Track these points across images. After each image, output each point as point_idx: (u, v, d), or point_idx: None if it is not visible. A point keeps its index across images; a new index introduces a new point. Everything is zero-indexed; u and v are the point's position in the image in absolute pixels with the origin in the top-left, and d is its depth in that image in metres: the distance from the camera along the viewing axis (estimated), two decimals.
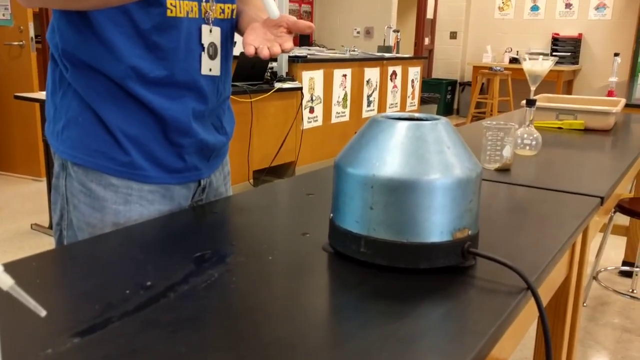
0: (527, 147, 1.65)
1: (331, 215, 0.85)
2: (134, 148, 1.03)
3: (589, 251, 1.24)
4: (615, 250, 3.35)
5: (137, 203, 1.05)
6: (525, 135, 1.65)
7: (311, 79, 5.15)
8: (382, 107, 6.18)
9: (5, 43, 4.60)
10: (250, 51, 1.02)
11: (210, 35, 1.06)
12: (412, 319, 0.66)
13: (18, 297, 0.50)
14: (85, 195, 1.04)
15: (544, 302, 1.06)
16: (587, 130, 2.14)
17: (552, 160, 1.60)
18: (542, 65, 1.59)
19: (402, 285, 0.75)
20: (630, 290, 2.96)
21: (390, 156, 0.76)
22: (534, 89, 1.64)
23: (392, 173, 0.75)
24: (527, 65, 1.61)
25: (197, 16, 1.04)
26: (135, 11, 0.96)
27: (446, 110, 9.20)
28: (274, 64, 4.80)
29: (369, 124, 0.83)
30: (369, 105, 5.99)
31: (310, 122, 5.21)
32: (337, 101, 5.53)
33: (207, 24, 1.06)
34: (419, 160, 0.76)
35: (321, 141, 5.37)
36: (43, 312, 0.51)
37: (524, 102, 2.21)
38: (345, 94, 5.61)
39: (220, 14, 1.09)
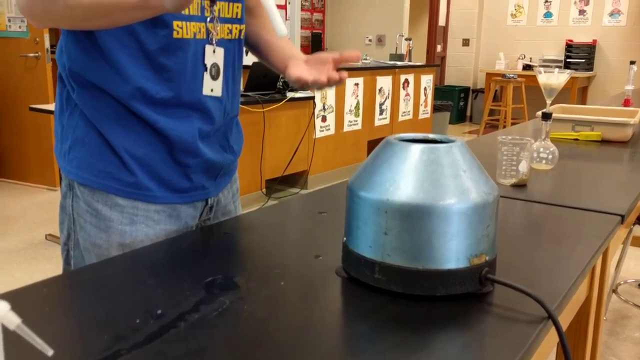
0: (544, 161, 1.62)
1: (344, 239, 0.83)
2: (140, 168, 1.02)
3: (609, 271, 1.21)
4: (634, 261, 3.30)
5: (143, 223, 1.04)
6: (542, 149, 1.62)
7: None
8: (394, 115, 6.16)
9: (21, 55, 4.65)
10: (307, 77, 1.03)
11: (214, 55, 1.05)
12: (428, 352, 0.64)
13: (25, 336, 0.48)
14: (92, 216, 1.03)
15: (564, 325, 1.04)
16: (604, 141, 2.10)
17: (569, 174, 1.57)
18: (557, 79, 1.57)
19: (418, 313, 0.73)
20: None
21: (405, 180, 0.75)
22: (550, 102, 1.61)
23: (407, 198, 0.74)
24: (543, 79, 1.58)
25: (204, 37, 1.03)
26: (142, 32, 0.96)
27: (459, 117, 9.16)
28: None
29: (382, 146, 0.81)
30: (381, 114, 5.97)
31: (323, 130, 5.20)
32: (350, 110, 5.52)
33: (211, 44, 1.05)
34: (434, 185, 0.74)
35: (333, 150, 5.36)
36: (50, 352, 0.49)
37: (539, 113, 2.18)
38: (358, 103, 5.60)
39: (227, 34, 1.08)
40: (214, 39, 1.05)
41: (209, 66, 1.05)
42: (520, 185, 1.42)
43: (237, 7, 1.09)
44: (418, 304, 0.75)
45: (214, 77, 1.07)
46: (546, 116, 1.59)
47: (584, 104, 8.38)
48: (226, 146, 1.15)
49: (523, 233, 1.07)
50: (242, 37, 1.13)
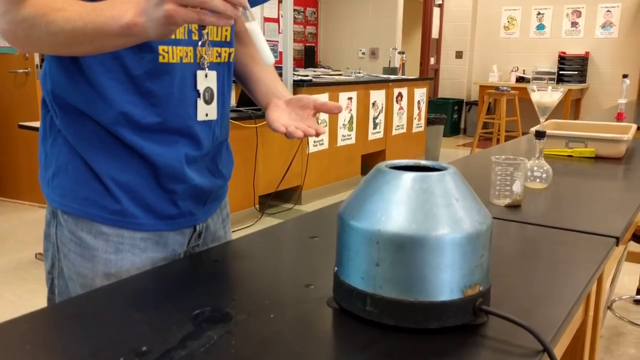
0: (538, 180, 1.61)
1: (335, 268, 0.81)
2: (125, 195, 1.00)
3: (604, 293, 1.20)
4: (629, 276, 3.29)
5: (129, 252, 1.02)
6: (535, 168, 1.61)
7: None
8: (388, 129, 6.16)
9: (11, 71, 4.62)
10: (281, 130, 1.02)
11: (206, 80, 1.04)
12: None
13: None
14: (76, 245, 1.01)
15: (560, 351, 1.02)
16: (598, 157, 2.09)
17: (564, 194, 1.56)
18: (551, 97, 1.56)
19: (412, 347, 0.71)
20: None
21: (396, 210, 0.73)
22: (544, 120, 1.60)
23: (399, 228, 0.72)
24: (536, 97, 1.57)
25: (192, 61, 1.01)
26: (127, 57, 0.94)
27: (453, 130, 9.17)
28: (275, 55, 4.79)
29: (373, 174, 0.79)
30: (374, 128, 5.97)
31: (316, 145, 5.19)
32: (343, 124, 5.51)
33: (202, 69, 1.03)
34: (427, 215, 0.72)
35: (327, 165, 5.35)
36: None
37: (533, 129, 2.18)
38: (351, 117, 5.59)
39: (216, 58, 1.06)
40: (205, 63, 1.03)
41: (201, 91, 1.04)
42: (514, 206, 1.41)
43: (226, 30, 1.08)
44: (411, 337, 0.73)
45: (208, 102, 1.06)
46: (540, 135, 1.58)
47: (578, 116, 8.42)
48: (215, 171, 1.13)
49: (517, 258, 1.05)
50: (231, 60, 1.11)
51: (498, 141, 7.31)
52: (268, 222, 4.52)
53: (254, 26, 0.84)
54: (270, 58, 0.84)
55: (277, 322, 0.78)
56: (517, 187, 1.41)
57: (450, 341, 0.73)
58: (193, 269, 0.98)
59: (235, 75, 1.21)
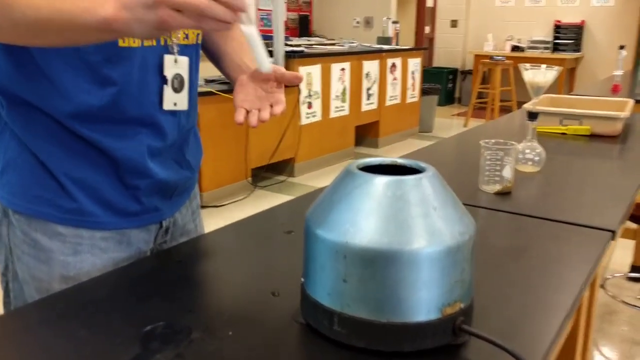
0: (530, 163, 1.53)
1: (302, 280, 0.73)
2: (82, 192, 0.91)
3: (596, 296, 1.13)
4: (622, 250, 3.23)
5: (88, 252, 0.93)
6: (527, 150, 1.52)
7: (309, 74, 5.01)
8: (382, 100, 6.05)
9: None
10: (241, 119, 0.95)
11: (176, 65, 0.94)
12: None
13: None
14: (29, 246, 0.92)
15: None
16: (593, 135, 2.01)
17: (557, 179, 1.48)
18: (545, 76, 1.46)
19: None
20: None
21: (366, 221, 0.65)
22: (537, 101, 1.51)
23: (368, 242, 0.64)
24: (529, 76, 1.48)
25: (154, 43, 0.92)
26: None
27: (447, 99, 9.05)
28: (271, 59, 4.67)
29: (342, 176, 0.71)
30: (368, 99, 5.86)
31: (309, 117, 5.08)
32: (336, 95, 5.39)
33: (171, 53, 0.94)
34: (400, 226, 0.64)
35: (320, 136, 5.25)
36: None
37: (526, 106, 2.09)
38: (344, 88, 5.47)
39: (184, 40, 0.96)
40: (174, 47, 0.94)
41: (170, 78, 0.95)
42: (504, 193, 1.33)
43: None
44: None
45: (177, 90, 0.97)
46: (532, 116, 1.49)
47: (572, 86, 8.31)
48: (182, 161, 1.04)
49: (506, 257, 0.98)
50: (199, 41, 1.02)
51: (492, 111, 7.21)
52: (261, 194, 4.45)
53: (252, 31, 0.74)
54: (267, 65, 0.75)
55: (236, 341, 0.70)
56: (507, 173, 1.33)
57: None
58: (154, 272, 0.90)
59: (203, 49, 1.12)
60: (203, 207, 3.95)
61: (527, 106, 1.98)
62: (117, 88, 0.89)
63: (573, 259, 0.97)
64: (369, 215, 0.65)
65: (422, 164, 0.72)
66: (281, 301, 0.80)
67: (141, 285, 0.85)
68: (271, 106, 0.98)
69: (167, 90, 0.95)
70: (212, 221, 3.57)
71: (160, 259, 0.96)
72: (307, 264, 0.71)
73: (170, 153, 1.01)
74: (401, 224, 0.64)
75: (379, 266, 0.64)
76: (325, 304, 0.68)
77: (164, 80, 0.95)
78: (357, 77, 5.62)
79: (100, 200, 0.93)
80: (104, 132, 0.90)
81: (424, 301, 0.65)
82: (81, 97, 0.87)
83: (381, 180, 0.67)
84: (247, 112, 0.96)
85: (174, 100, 0.97)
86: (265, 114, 0.95)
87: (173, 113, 0.97)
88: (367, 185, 0.67)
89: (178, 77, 0.97)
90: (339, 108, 5.46)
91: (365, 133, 6.11)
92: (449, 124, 7.60)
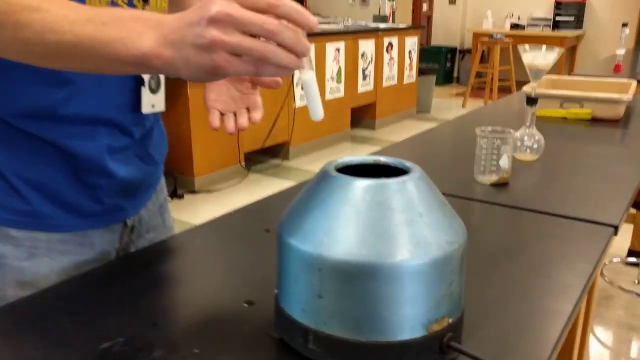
0: (528, 150, 1.46)
1: (276, 291, 0.67)
2: (36, 194, 0.84)
3: (597, 282, 1.06)
4: (620, 235, 3.17)
5: (45, 256, 0.86)
6: (526, 138, 1.45)
7: None
8: (378, 81, 5.95)
9: None
10: (216, 124, 0.88)
11: None
12: None
13: None
14: None
15: None
16: (594, 120, 1.93)
17: (556, 168, 1.41)
18: (545, 58, 1.39)
19: None
20: (637, 282, 2.79)
21: (343, 230, 0.58)
22: (536, 85, 1.44)
23: (345, 254, 0.57)
24: (528, 58, 1.40)
25: None
26: None
27: (446, 78, 8.94)
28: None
29: (318, 178, 0.64)
30: (364, 80, 5.76)
31: (303, 99, 4.99)
32: (331, 77, 5.29)
33: None
34: (382, 236, 0.57)
35: None
36: None
37: (525, 89, 2.01)
38: (339, 69, 5.37)
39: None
40: None
41: (146, 78, 0.87)
42: (501, 184, 1.26)
43: None
44: None
45: (154, 90, 0.89)
46: (531, 101, 1.42)
47: (573, 64, 8.20)
48: (146, 157, 0.96)
49: (501, 259, 0.91)
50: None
51: (491, 91, 7.11)
52: (255, 179, 4.38)
53: (311, 78, 0.66)
54: (320, 115, 0.67)
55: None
56: (504, 163, 1.26)
57: None
58: (118, 279, 0.83)
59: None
60: (196, 192, 3.88)
61: (527, 89, 1.90)
62: (72, 82, 0.81)
63: (573, 258, 0.90)
64: (346, 223, 0.58)
65: (408, 164, 0.65)
66: (255, 311, 0.73)
67: (102, 294, 0.78)
68: (248, 110, 0.91)
69: (144, 92, 0.88)
70: (206, 207, 3.50)
71: (126, 263, 0.89)
72: (280, 275, 0.64)
73: (133, 149, 0.93)
74: (382, 233, 0.57)
75: (357, 281, 0.57)
76: (299, 320, 0.61)
77: (138, 81, 0.87)
78: (352, 58, 5.51)
79: (57, 201, 0.86)
80: (59, 132, 0.82)
81: (407, 318, 0.58)
82: (33, 92, 0.79)
83: (360, 184, 0.59)
84: (222, 114, 0.89)
85: (152, 102, 0.90)
86: (244, 121, 0.89)
87: (136, 111, 0.90)
88: (344, 190, 0.60)
89: (155, 77, 0.90)
90: (334, 89, 5.37)
91: (362, 115, 6.02)
92: (448, 104, 7.51)
